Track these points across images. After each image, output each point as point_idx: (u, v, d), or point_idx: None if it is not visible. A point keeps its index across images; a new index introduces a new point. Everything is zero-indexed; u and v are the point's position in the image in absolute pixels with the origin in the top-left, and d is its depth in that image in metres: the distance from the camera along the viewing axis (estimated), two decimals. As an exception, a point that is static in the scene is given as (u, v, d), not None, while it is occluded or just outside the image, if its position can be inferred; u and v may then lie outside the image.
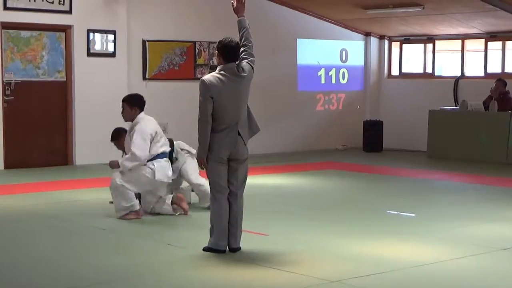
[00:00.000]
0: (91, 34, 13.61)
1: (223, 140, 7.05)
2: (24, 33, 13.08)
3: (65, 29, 13.43)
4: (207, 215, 8.80)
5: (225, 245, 7.11)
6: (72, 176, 12.28)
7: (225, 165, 7.11)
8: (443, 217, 9.02)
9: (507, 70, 15.83)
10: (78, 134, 13.56)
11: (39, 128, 13.29)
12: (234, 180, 7.16)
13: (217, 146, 7.03)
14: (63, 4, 13.24)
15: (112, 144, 9.48)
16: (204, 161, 7.08)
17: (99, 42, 13.72)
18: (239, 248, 7.17)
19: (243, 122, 7.22)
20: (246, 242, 7.42)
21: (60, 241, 7.77)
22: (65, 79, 13.52)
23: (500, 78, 14.94)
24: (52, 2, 13.13)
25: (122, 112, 9.13)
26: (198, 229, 8.00)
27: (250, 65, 7.27)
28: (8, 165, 12.88)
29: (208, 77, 7.11)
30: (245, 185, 7.31)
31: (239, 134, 7.13)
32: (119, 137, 9.34)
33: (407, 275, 6.48)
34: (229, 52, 7.15)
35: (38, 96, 13.26)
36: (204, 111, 7.01)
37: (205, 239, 7.19)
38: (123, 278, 6.39)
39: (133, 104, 9.03)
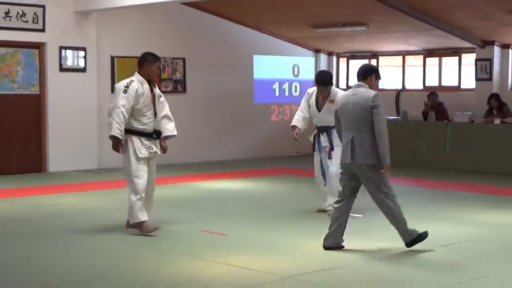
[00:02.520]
0: (63, 51, 13.45)
1: None
2: (0, 50, 12.88)
3: (39, 46, 13.26)
4: (172, 215, 8.73)
5: None
6: (45, 182, 12.11)
7: None
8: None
9: (443, 83, 15.99)
10: (51, 143, 13.39)
11: (14, 138, 13.10)
12: None
13: None
14: (37, 23, 13.07)
15: None
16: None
17: (70, 58, 13.56)
18: None
19: None
20: (206, 242, 7.36)
21: (33, 243, 7.61)
22: (39, 93, 13.35)
23: (432, 92, 15.09)
24: (27, 21, 12.96)
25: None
26: (164, 229, 7.92)
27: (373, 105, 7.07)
28: (-15, 173, 12.69)
29: None
30: None
31: None
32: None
33: (355, 270, 6.48)
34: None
35: (14, 108, 13.07)
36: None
37: (171, 239, 7.09)
38: (96, 277, 6.28)
39: None
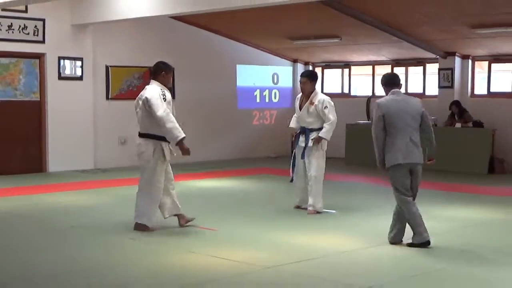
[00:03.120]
0: (61, 61, 13.47)
1: None
2: (3, 60, 12.89)
3: (39, 57, 13.28)
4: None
5: None
6: (45, 182, 12.12)
7: None
8: (360, 213, 9.12)
9: (409, 90, 16.10)
10: (51, 145, 13.40)
11: (16, 140, 13.11)
12: None
13: None
14: (37, 35, 13.09)
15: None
16: None
17: (68, 67, 13.58)
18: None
19: None
20: (198, 237, 7.42)
21: (37, 237, 7.67)
22: (39, 99, 13.36)
23: None
24: (28, 33, 12.97)
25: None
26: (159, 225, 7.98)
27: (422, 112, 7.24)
28: (-12, 173, 12.68)
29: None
30: None
31: None
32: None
33: (330, 261, 6.57)
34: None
35: (16, 113, 13.08)
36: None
37: (162, 233, 7.12)
38: (93, 268, 6.35)
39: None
